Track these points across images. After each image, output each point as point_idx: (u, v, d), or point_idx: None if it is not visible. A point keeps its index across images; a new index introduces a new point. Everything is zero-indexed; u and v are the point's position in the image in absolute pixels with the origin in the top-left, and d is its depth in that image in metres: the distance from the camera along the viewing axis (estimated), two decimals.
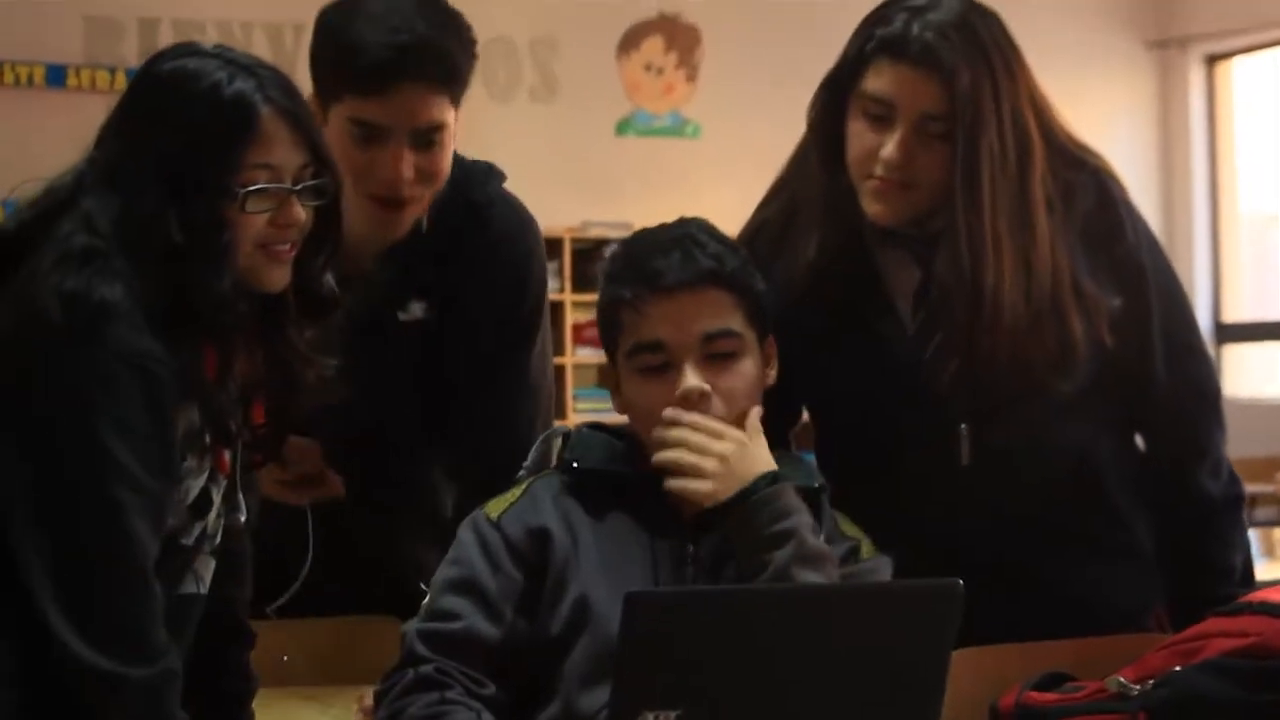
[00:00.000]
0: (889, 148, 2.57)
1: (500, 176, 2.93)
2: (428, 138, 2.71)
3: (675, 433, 2.43)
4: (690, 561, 2.45)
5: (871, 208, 2.63)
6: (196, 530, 2.30)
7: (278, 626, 2.80)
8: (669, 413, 2.44)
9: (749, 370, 2.49)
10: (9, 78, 8.18)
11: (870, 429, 2.72)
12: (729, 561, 2.42)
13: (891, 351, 2.67)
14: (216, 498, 2.32)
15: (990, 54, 2.59)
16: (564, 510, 2.48)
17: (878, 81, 2.59)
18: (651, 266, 2.47)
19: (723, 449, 2.42)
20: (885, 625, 2.01)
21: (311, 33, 2.75)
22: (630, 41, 9.47)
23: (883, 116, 2.59)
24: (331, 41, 2.72)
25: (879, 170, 2.59)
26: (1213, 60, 10.54)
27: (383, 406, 2.84)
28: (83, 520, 2.13)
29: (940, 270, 2.61)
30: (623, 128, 9.47)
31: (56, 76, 8.21)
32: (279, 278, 2.29)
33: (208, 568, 2.35)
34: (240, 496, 2.37)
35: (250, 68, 2.26)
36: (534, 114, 9.06)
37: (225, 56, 2.28)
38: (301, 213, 2.27)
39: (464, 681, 2.37)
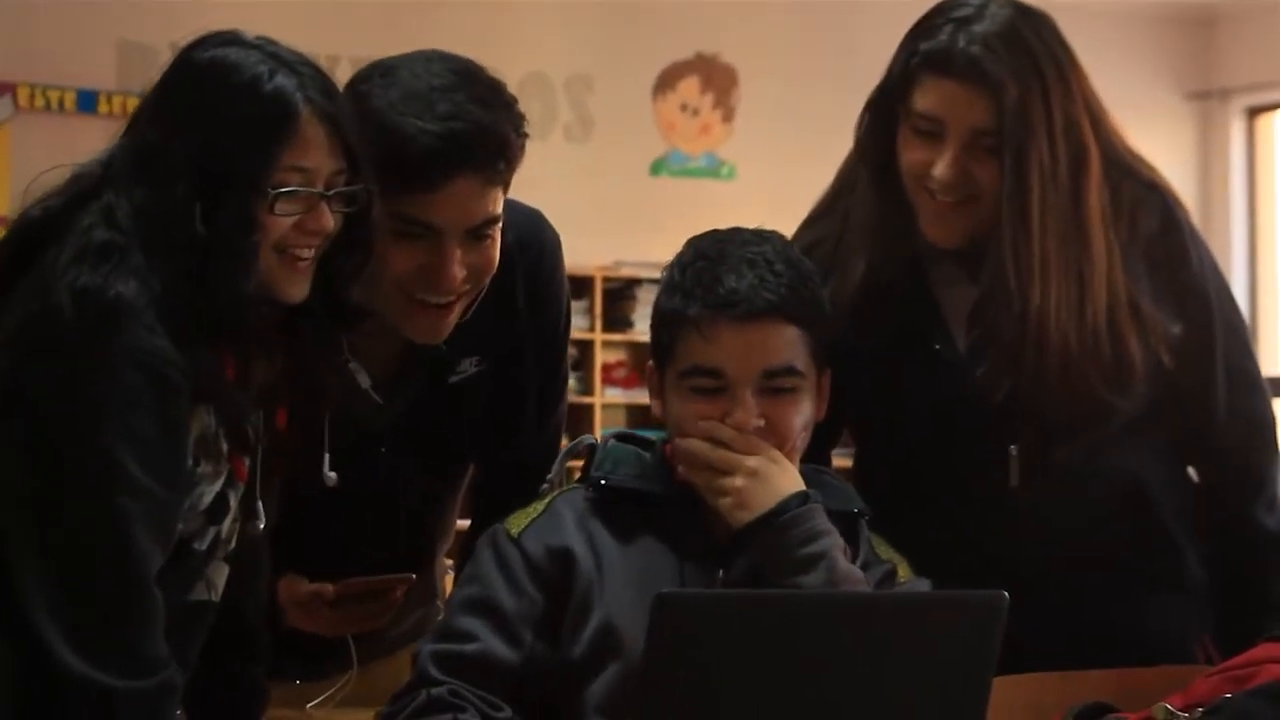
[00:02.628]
0: (940, 167, 2.50)
1: (549, 235, 2.73)
2: (481, 233, 2.44)
3: (702, 448, 2.35)
4: (721, 585, 2.36)
5: (930, 230, 2.56)
6: (210, 536, 2.21)
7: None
8: (705, 425, 2.36)
9: (805, 408, 2.40)
10: (40, 102, 8.16)
11: (918, 449, 2.64)
12: (760, 586, 2.32)
13: (943, 370, 2.60)
14: (233, 503, 2.23)
15: (1040, 63, 2.51)
16: (589, 529, 2.39)
17: (924, 99, 2.51)
18: (724, 287, 2.36)
19: (753, 465, 2.33)
20: (927, 636, 1.94)
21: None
22: (666, 81, 9.44)
23: (933, 133, 2.51)
24: (372, 125, 2.33)
25: (934, 187, 2.51)
26: (1254, 113, 10.50)
27: (430, 473, 2.71)
28: (82, 527, 2.05)
29: (986, 288, 2.54)
30: (657, 168, 9.45)
31: (88, 102, 8.19)
32: (297, 289, 2.20)
33: (221, 574, 2.26)
34: (259, 504, 2.28)
35: (293, 64, 2.16)
36: (568, 153, 9.01)
37: (267, 49, 2.17)
38: (330, 220, 2.19)
39: (478, 705, 2.28)
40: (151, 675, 2.06)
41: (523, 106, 2.49)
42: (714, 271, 2.37)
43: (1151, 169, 2.68)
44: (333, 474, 2.52)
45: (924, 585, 2.43)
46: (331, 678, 2.71)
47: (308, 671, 2.72)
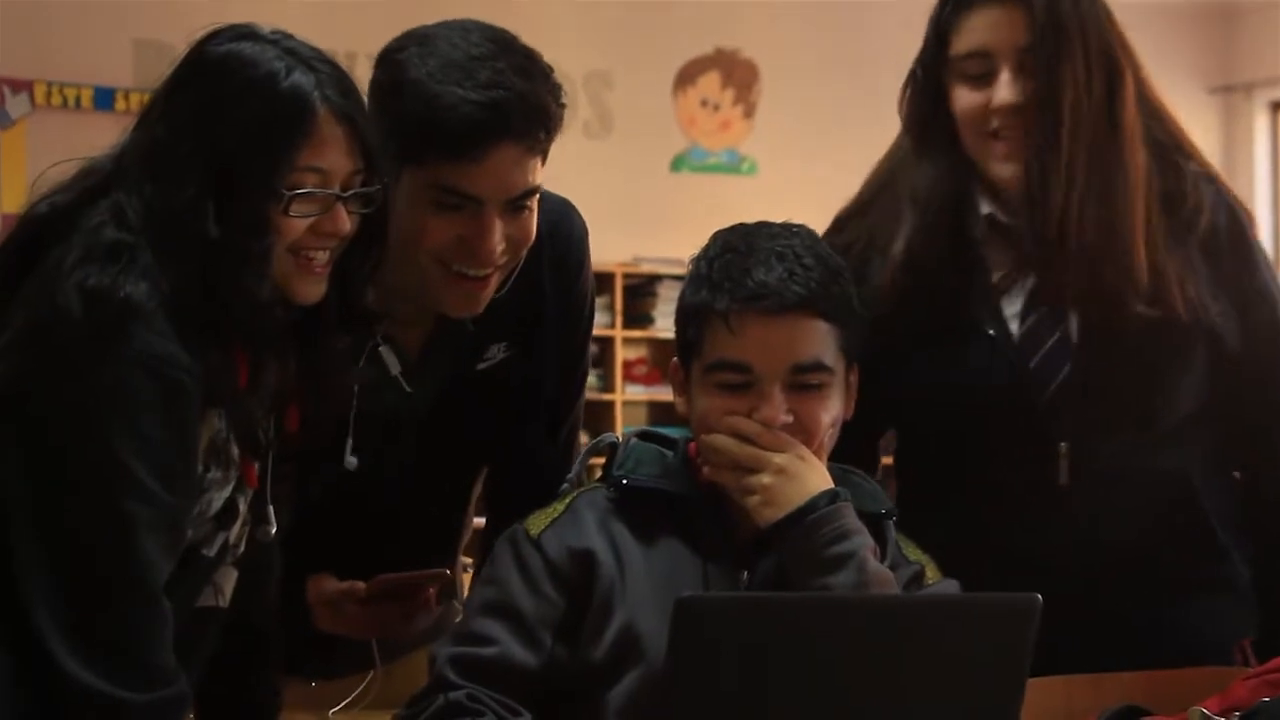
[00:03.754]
0: (1001, 92, 2.49)
1: (577, 222, 2.69)
2: (520, 204, 2.41)
3: (729, 444, 2.30)
4: (745, 587, 2.31)
5: (1002, 171, 2.53)
6: (219, 542, 2.17)
7: None
8: (731, 421, 2.31)
9: (833, 404, 2.35)
10: (57, 99, 8.11)
11: (965, 441, 2.59)
12: (786, 588, 2.28)
13: (995, 358, 2.55)
14: (243, 509, 2.19)
15: None
16: (610, 530, 2.34)
17: (966, 38, 2.51)
18: (753, 279, 2.31)
19: (781, 462, 2.28)
20: (959, 640, 1.89)
21: (374, 81, 2.41)
22: (686, 77, 9.38)
23: (982, 74, 2.51)
24: (411, 94, 2.33)
25: (997, 125, 2.49)
26: (1277, 107, 10.42)
27: (449, 469, 2.66)
28: (89, 535, 2.00)
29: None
30: (678, 164, 9.38)
31: (105, 99, 8.14)
32: (313, 291, 2.15)
33: (229, 580, 2.22)
34: (269, 509, 2.23)
35: (310, 61, 2.10)
36: (588, 149, 8.96)
37: (284, 45, 2.11)
38: (346, 222, 2.13)
39: (497, 709, 2.24)
40: (162, 687, 2.02)
41: None
42: (742, 264, 2.33)
43: (1206, 161, 2.66)
44: (354, 459, 2.49)
45: (953, 586, 2.38)
46: (348, 678, 2.65)
47: (325, 671, 2.66)
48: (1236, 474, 2.70)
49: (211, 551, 2.17)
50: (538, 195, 2.44)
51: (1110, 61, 2.52)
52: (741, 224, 2.41)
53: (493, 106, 2.33)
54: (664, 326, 8.29)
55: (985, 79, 2.51)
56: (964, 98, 2.53)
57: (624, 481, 2.38)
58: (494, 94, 2.34)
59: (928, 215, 2.57)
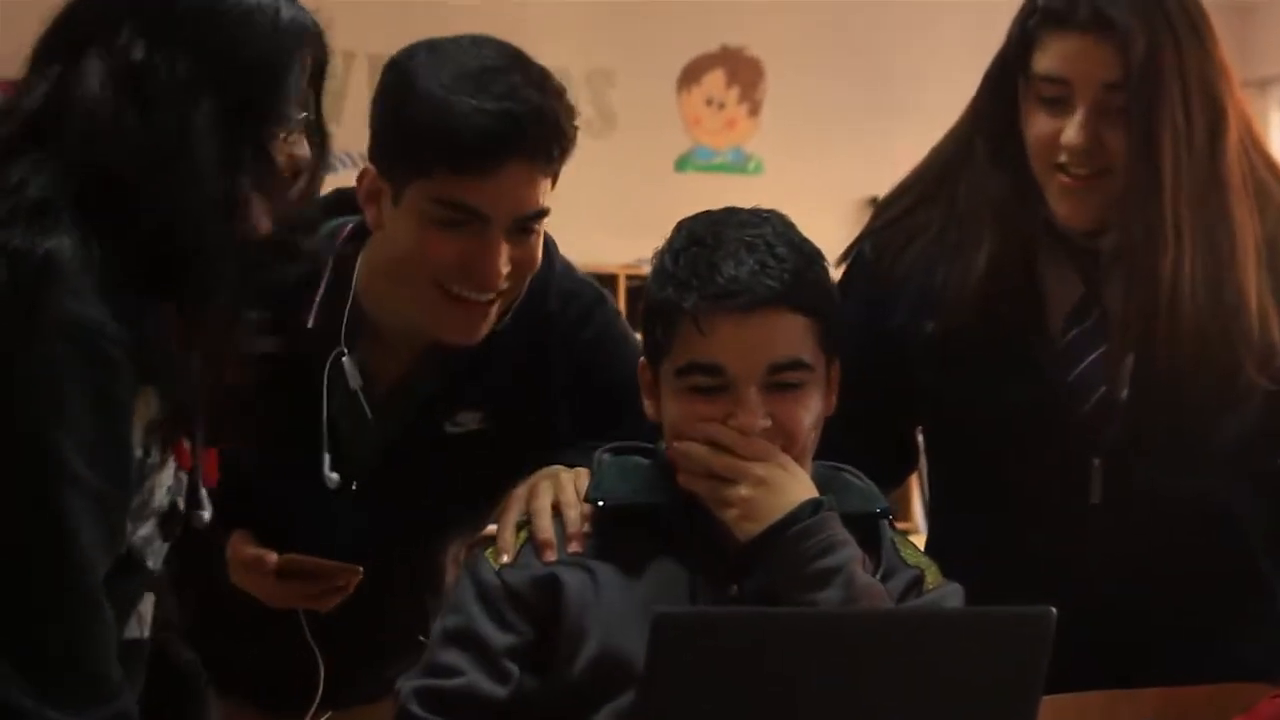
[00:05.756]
0: (1070, 132, 2.30)
1: (609, 308, 2.56)
2: (526, 226, 2.32)
3: (703, 453, 2.15)
4: (736, 601, 2.16)
5: (1061, 208, 2.36)
6: (162, 552, 1.99)
7: None
8: (705, 429, 2.16)
9: (815, 404, 2.19)
10: None
11: (998, 455, 2.44)
12: (778, 602, 2.13)
13: (1034, 371, 2.40)
14: (180, 503, 2.00)
15: (1171, 14, 2.32)
16: (583, 551, 2.20)
17: (1047, 59, 2.33)
18: (722, 274, 2.15)
19: (761, 473, 2.12)
20: (962, 657, 1.76)
21: (381, 87, 2.33)
22: (691, 75, 9.26)
23: (1059, 99, 2.33)
24: (421, 103, 2.25)
25: (1064, 160, 2.31)
26: None
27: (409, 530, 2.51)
28: (15, 531, 1.80)
29: (1111, 257, 2.35)
30: (682, 164, 9.26)
31: None
32: (264, 224, 1.99)
33: (149, 605, 2.02)
34: (203, 492, 2.04)
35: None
36: (590, 149, 8.72)
37: None
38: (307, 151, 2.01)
39: None
40: (107, 703, 1.83)
41: None
42: (710, 258, 2.17)
43: None
44: (335, 475, 2.38)
45: (955, 591, 2.23)
46: (299, 710, 2.52)
47: (275, 703, 2.55)
48: None
49: (155, 563, 1.99)
50: (543, 219, 2.33)
51: (1212, 101, 2.34)
52: (708, 212, 2.27)
53: (507, 118, 2.24)
54: None
55: (1060, 105, 2.34)
56: (1036, 122, 2.37)
57: (600, 504, 2.23)
58: (508, 106, 2.25)
59: (1012, 229, 2.41)
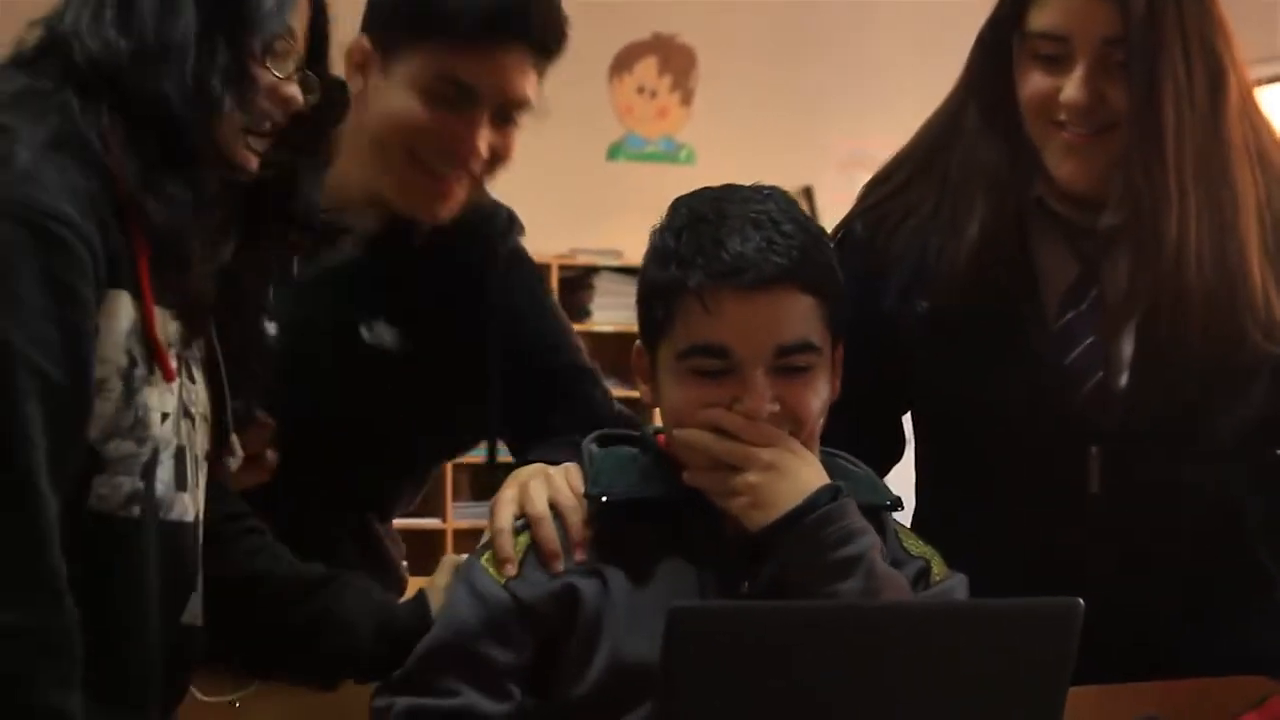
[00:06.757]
0: (1070, 89, 2.26)
1: (520, 231, 2.55)
2: (510, 115, 2.39)
3: (707, 440, 2.07)
4: (746, 596, 2.08)
5: (1063, 168, 2.31)
6: (189, 506, 1.92)
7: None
8: (710, 415, 2.07)
9: (822, 388, 2.13)
10: None
11: (991, 441, 2.39)
12: (789, 595, 2.04)
13: (1028, 354, 2.35)
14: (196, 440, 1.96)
15: None
16: (589, 554, 2.11)
17: (1045, 15, 2.28)
18: (728, 250, 2.07)
19: (769, 458, 2.04)
20: (988, 651, 1.71)
21: None
22: (623, 63, 9.15)
23: (1057, 56, 2.28)
24: None
25: (1064, 118, 2.26)
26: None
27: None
28: None
29: (1108, 235, 2.29)
30: (614, 152, 9.15)
31: None
32: (251, 161, 1.94)
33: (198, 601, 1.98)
34: (234, 439, 2.06)
35: None
36: (521, 138, 8.75)
37: None
38: (299, 97, 1.96)
39: None
40: (45, 606, 1.72)
41: None
42: (715, 234, 2.10)
43: None
44: (272, 324, 2.27)
45: (961, 581, 2.18)
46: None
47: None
48: None
49: (187, 515, 1.91)
50: (525, 112, 2.36)
51: (1213, 59, 2.29)
52: (707, 188, 2.19)
53: (515, 1, 2.31)
54: (602, 320, 8.09)
55: (1059, 63, 2.29)
56: (1032, 81, 2.32)
57: (604, 500, 2.14)
58: None
59: (1005, 198, 2.36)
